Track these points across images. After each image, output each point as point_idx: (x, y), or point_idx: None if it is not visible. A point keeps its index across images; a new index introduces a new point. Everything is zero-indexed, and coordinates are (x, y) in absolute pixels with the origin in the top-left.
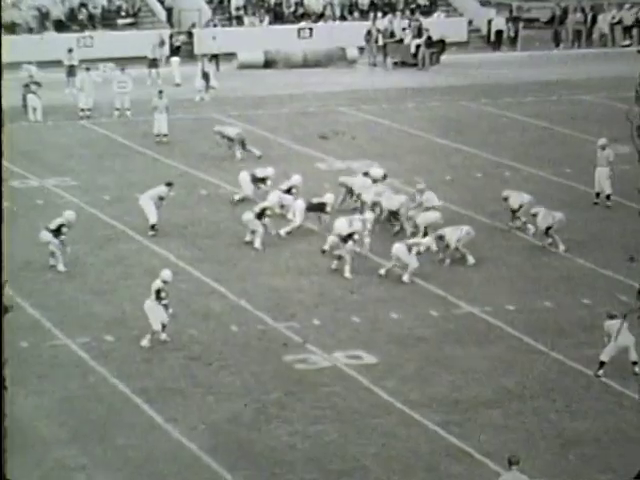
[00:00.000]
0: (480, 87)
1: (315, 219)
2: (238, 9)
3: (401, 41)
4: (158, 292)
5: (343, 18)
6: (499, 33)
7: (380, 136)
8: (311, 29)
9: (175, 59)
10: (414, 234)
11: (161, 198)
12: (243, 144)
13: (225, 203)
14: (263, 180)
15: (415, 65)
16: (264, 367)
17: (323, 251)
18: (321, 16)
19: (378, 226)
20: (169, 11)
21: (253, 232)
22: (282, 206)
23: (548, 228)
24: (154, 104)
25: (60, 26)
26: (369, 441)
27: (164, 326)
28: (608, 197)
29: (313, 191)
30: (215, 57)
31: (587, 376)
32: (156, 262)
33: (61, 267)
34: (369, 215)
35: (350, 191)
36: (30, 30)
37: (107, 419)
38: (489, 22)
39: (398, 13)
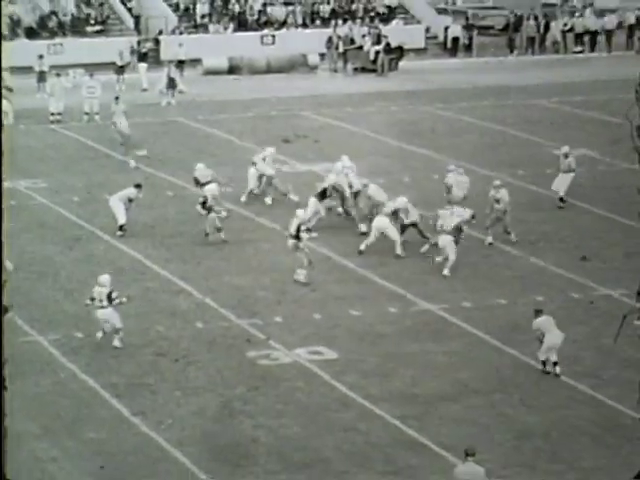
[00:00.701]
0: (437, 92)
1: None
2: (203, 17)
3: (361, 48)
4: (109, 295)
5: (305, 26)
6: (455, 40)
7: (341, 139)
8: (274, 36)
9: (142, 65)
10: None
11: (130, 199)
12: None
13: (191, 204)
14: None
15: (374, 71)
16: (228, 363)
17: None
18: (283, 24)
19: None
20: (137, 19)
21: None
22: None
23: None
24: (112, 109)
25: (31, 33)
26: (330, 434)
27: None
28: (561, 199)
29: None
30: (181, 63)
31: (540, 371)
32: (124, 261)
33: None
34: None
35: (337, 189)
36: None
37: (77, 413)
38: (446, 29)
39: (358, 21)
